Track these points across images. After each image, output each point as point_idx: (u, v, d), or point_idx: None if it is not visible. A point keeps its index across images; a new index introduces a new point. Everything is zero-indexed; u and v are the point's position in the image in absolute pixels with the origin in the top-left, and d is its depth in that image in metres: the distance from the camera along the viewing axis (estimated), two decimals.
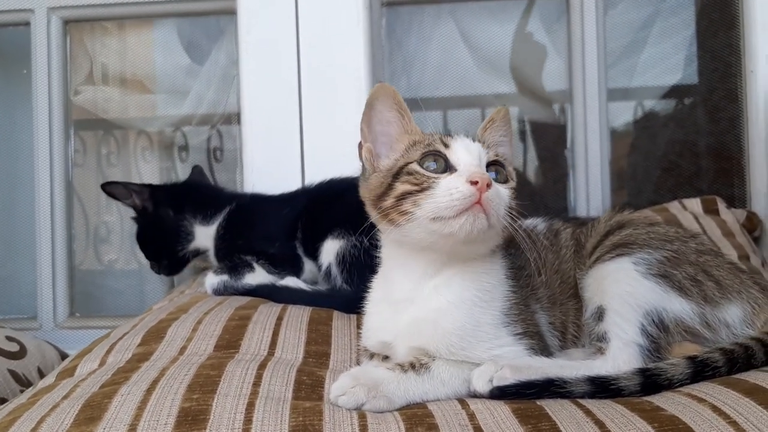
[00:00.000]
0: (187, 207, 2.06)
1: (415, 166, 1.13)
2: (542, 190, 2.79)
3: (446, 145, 1.14)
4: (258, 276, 1.86)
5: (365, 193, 1.22)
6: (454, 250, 1.13)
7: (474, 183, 1.05)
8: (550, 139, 2.75)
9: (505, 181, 1.16)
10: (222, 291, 1.83)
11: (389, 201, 1.13)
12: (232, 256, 1.92)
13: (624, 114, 2.75)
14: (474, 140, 1.18)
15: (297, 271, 1.89)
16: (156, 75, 2.86)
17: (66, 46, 2.70)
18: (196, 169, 2.32)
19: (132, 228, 2.19)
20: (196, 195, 2.07)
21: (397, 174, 1.14)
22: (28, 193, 2.71)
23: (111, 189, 2.07)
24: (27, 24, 2.66)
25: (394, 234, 1.15)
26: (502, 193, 1.11)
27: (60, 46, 2.67)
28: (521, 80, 2.76)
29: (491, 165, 1.16)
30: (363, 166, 1.25)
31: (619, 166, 2.71)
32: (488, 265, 1.18)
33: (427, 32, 2.76)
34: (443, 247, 1.12)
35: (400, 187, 1.12)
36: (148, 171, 2.95)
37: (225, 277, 1.85)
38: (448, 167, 1.12)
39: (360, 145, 1.25)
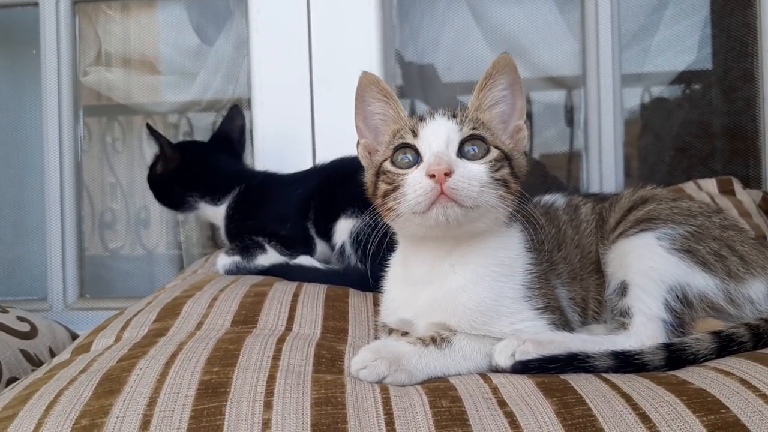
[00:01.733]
0: (196, 186, 2.03)
1: (387, 165, 1.13)
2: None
3: (415, 134, 1.12)
4: (270, 257, 1.85)
5: (366, 188, 1.22)
6: (451, 234, 1.12)
7: (432, 176, 1.03)
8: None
9: (486, 154, 1.11)
10: (234, 271, 1.82)
11: (378, 199, 1.14)
12: (242, 236, 1.90)
13: (637, 96, 2.72)
14: (449, 118, 1.14)
15: (309, 252, 1.87)
16: (164, 57, 2.84)
17: (75, 27, 2.69)
18: (234, 110, 2.18)
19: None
20: (207, 175, 2.04)
21: (377, 173, 1.15)
22: (37, 175, 2.71)
23: (153, 132, 2.03)
24: (35, 4, 2.64)
25: (394, 227, 1.17)
26: (473, 172, 1.07)
27: (69, 27, 2.66)
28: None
29: (468, 140, 1.11)
30: None
31: (634, 148, 2.68)
32: (504, 239, 1.17)
33: (439, 13, 2.73)
34: (438, 235, 1.11)
35: (382, 187, 1.13)
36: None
37: (237, 258, 1.84)
38: (419, 157, 1.11)
39: (358, 142, 1.25)
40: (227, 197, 2.00)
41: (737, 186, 2.23)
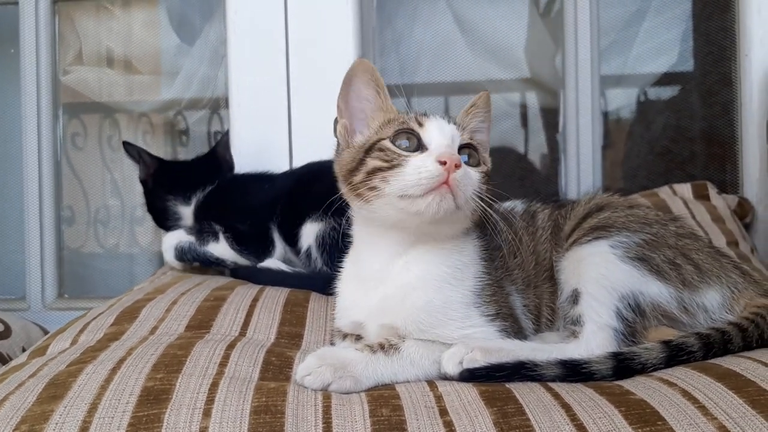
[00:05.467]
0: (174, 188, 2.04)
1: (387, 143, 1.12)
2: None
3: (420, 124, 1.13)
4: (220, 248, 1.86)
5: (338, 168, 1.21)
6: (422, 230, 1.12)
7: (443, 163, 1.03)
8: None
9: (477, 165, 1.15)
10: (184, 251, 1.87)
11: (359, 176, 1.12)
12: (202, 221, 1.93)
13: (616, 100, 2.72)
14: (450, 122, 1.17)
15: (263, 253, 1.86)
16: (144, 55, 2.83)
17: (54, 26, 2.68)
18: (224, 139, 2.21)
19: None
20: (180, 174, 2.06)
21: (369, 149, 1.13)
22: (16, 173, 2.70)
23: (129, 149, 2.06)
24: (15, 3, 2.63)
25: (363, 211, 1.15)
26: (471, 175, 1.09)
27: (48, 25, 2.65)
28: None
29: (464, 148, 1.14)
30: (337, 141, 1.24)
31: (612, 152, 2.68)
32: (460, 244, 1.17)
33: (419, 15, 2.72)
34: (410, 226, 1.11)
35: (371, 163, 1.11)
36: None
37: (191, 239, 1.88)
38: (420, 146, 1.11)
39: (336, 121, 1.24)
40: (197, 194, 2.01)
41: (712, 191, 2.23)
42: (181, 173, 2.07)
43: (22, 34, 2.63)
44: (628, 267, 1.17)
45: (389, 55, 2.70)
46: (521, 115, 2.75)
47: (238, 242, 1.86)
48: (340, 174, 1.19)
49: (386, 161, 1.09)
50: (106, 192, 2.88)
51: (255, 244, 1.86)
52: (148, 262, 2.81)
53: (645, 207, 1.33)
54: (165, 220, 2.07)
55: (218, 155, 2.14)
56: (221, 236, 1.86)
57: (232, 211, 1.91)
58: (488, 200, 1.12)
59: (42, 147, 2.64)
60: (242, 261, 1.85)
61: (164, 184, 2.05)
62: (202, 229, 1.89)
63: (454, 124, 1.17)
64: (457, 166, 1.04)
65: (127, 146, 2.07)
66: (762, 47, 2.29)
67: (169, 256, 1.90)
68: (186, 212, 2.03)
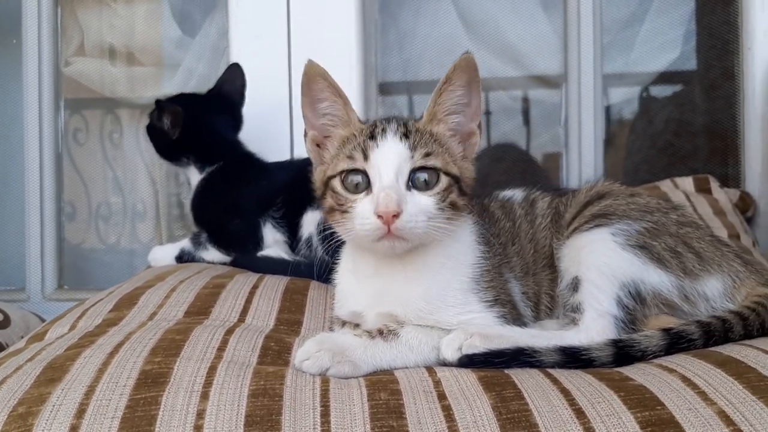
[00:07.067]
0: (192, 150, 2.01)
1: (336, 184, 1.10)
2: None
3: (366, 157, 1.08)
4: (210, 255, 1.89)
5: (314, 183, 1.19)
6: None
7: (381, 217, 1.02)
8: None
9: (436, 182, 1.08)
10: (185, 259, 1.89)
11: (326, 207, 1.13)
12: (198, 224, 1.95)
13: (618, 94, 2.71)
14: (403, 140, 1.09)
15: (252, 251, 1.85)
16: (146, 47, 2.82)
17: (57, 17, 2.67)
18: (235, 69, 2.13)
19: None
20: (204, 142, 2.01)
21: (326, 183, 1.12)
22: (18, 165, 2.70)
23: (159, 104, 1.97)
24: None
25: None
26: (422, 206, 1.06)
27: (51, 16, 2.64)
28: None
29: (420, 169, 1.08)
30: None
31: (614, 146, 2.67)
32: (456, 231, 1.15)
33: (423, 10, 2.71)
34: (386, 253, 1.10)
35: (329, 201, 1.11)
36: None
37: (189, 245, 1.90)
38: (368, 184, 1.08)
39: (305, 133, 1.19)
40: (207, 169, 1.98)
41: (714, 184, 2.22)
42: (205, 137, 2.01)
43: (24, 24, 2.62)
44: (629, 255, 1.16)
45: (392, 50, 2.69)
46: (524, 111, 2.74)
47: (224, 246, 1.87)
48: (316, 190, 1.19)
49: (338, 205, 1.09)
50: (108, 188, 2.88)
51: (242, 245, 1.85)
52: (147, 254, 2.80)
53: (646, 195, 1.32)
54: (173, 159, 2.05)
55: (227, 95, 2.10)
56: (209, 246, 1.88)
57: (222, 210, 1.91)
58: (458, 206, 1.10)
59: (43, 138, 2.63)
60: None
61: (186, 145, 2.00)
62: (197, 235, 1.92)
63: (406, 137, 1.09)
64: (396, 216, 1.01)
65: (158, 102, 1.99)
66: (765, 41, 2.29)
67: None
68: (193, 177, 2.01)
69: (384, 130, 1.10)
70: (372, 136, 1.10)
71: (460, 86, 1.12)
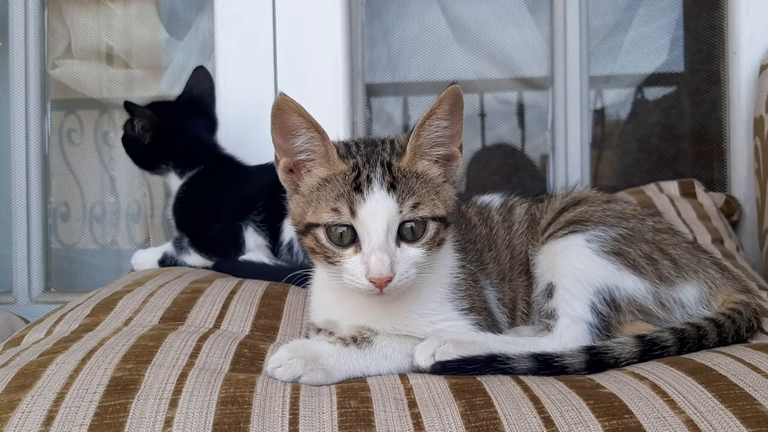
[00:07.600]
0: (170, 155, 1.98)
1: (321, 236, 1.06)
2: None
3: (353, 213, 1.03)
4: (192, 259, 1.88)
5: (289, 211, 1.16)
6: None
7: (374, 281, 1.01)
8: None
9: (423, 232, 1.06)
10: (166, 263, 1.89)
11: (306, 248, 1.12)
12: (180, 229, 1.94)
13: (605, 98, 2.71)
14: (390, 192, 1.04)
15: (234, 255, 1.84)
16: (134, 49, 2.81)
17: (44, 18, 2.67)
18: (201, 72, 2.10)
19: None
20: (182, 146, 1.99)
21: (307, 227, 1.08)
22: (4, 167, 2.69)
23: (129, 107, 1.94)
24: None
25: None
26: (412, 258, 1.05)
27: (38, 18, 2.63)
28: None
29: (409, 221, 1.05)
30: None
31: (600, 150, 2.68)
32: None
33: (408, 11, 2.71)
34: None
35: (311, 244, 1.08)
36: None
37: (171, 249, 1.90)
38: (355, 239, 1.04)
39: (277, 160, 1.13)
40: (188, 174, 1.97)
41: (699, 189, 2.22)
42: (183, 140, 2.00)
43: (11, 26, 2.61)
44: (604, 261, 1.16)
45: (379, 50, 2.69)
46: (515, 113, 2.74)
47: (206, 250, 1.86)
48: (294, 224, 1.15)
49: (325, 256, 1.06)
50: (105, 188, 2.87)
51: (224, 249, 1.85)
52: None
53: (622, 202, 1.32)
54: (151, 168, 2.03)
55: (199, 98, 2.08)
56: (191, 250, 1.88)
57: (204, 216, 1.90)
58: (442, 238, 1.10)
59: (30, 141, 2.62)
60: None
61: (163, 150, 1.99)
62: (179, 239, 1.91)
63: (393, 189, 1.04)
64: (389, 280, 1.01)
65: (127, 105, 1.94)
66: (750, 45, 2.29)
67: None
68: (173, 182, 1.99)
69: (369, 180, 1.04)
70: (357, 188, 1.04)
71: (443, 117, 1.07)
